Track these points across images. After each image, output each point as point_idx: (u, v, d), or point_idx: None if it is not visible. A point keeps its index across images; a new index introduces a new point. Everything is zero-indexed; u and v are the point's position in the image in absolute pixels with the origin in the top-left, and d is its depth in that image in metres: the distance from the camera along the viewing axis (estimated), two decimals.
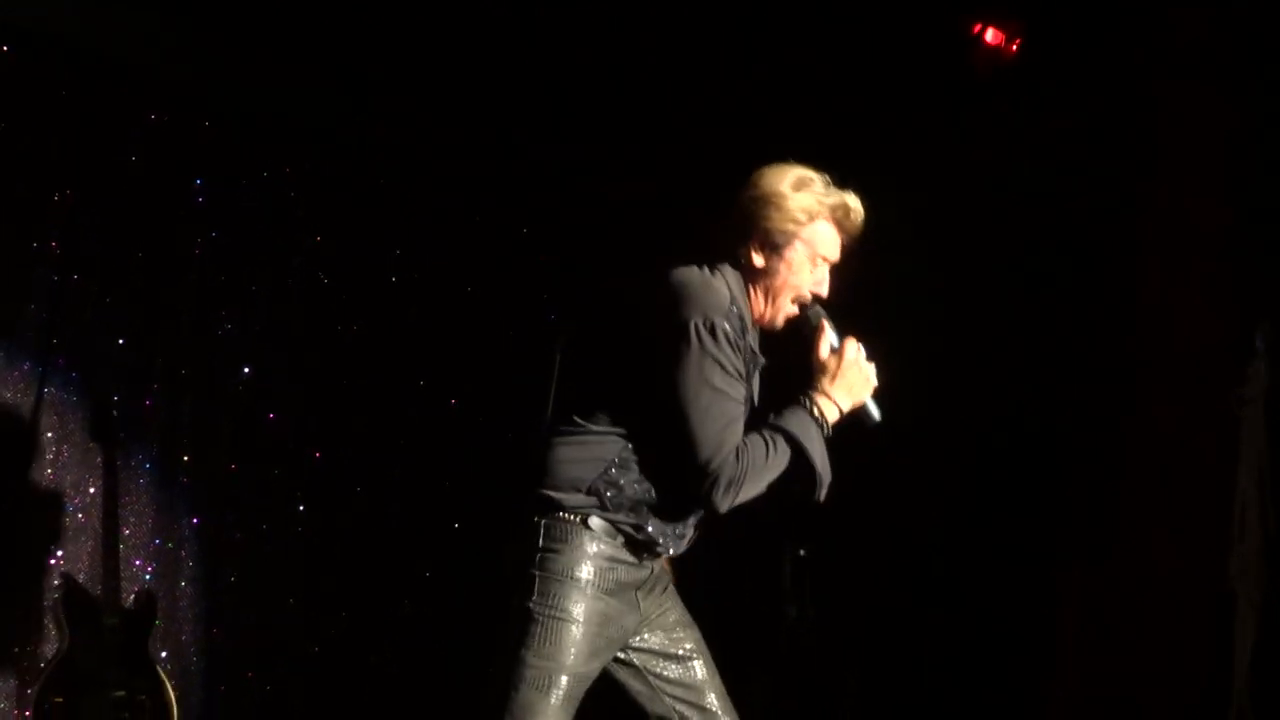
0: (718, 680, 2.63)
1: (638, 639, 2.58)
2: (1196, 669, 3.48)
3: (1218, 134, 3.84)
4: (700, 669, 2.61)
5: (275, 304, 4.86)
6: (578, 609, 2.40)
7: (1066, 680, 3.89)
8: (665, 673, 2.59)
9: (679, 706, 2.58)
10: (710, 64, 4.61)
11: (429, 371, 5.16)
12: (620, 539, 2.46)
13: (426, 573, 5.15)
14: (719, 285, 2.47)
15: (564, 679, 2.38)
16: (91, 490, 4.34)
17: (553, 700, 2.37)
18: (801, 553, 4.36)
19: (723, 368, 2.38)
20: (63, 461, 4.37)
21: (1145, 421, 3.79)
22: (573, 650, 2.39)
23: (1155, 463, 3.72)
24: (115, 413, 3.99)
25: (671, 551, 2.57)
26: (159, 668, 3.90)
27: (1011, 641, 4.04)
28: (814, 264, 2.54)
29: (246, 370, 4.80)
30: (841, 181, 2.58)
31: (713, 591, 2.74)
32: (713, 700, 2.60)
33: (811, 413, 2.47)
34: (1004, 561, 4.08)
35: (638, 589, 2.54)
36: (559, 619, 2.39)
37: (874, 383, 2.54)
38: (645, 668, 2.59)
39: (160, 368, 4.60)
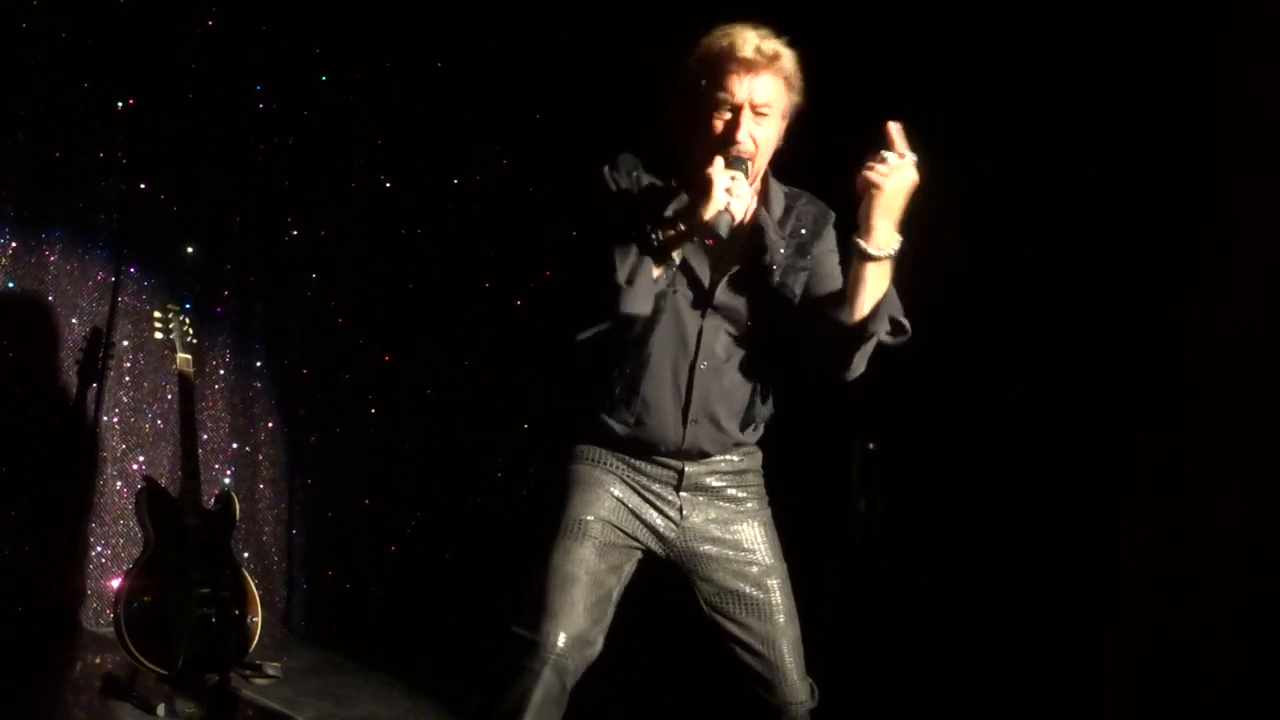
0: (792, 631, 2.55)
1: (707, 573, 2.54)
2: (1265, 605, 3.43)
3: None
4: (772, 619, 2.53)
5: (339, 208, 4.88)
6: (560, 477, 2.54)
7: (1131, 576, 3.87)
8: (734, 614, 2.53)
9: (738, 650, 2.53)
10: None
11: (494, 272, 5.17)
12: (608, 429, 2.52)
13: (498, 472, 5.21)
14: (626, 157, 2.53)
15: (563, 521, 2.48)
16: (169, 397, 4.43)
17: (560, 537, 2.47)
18: (871, 446, 4.36)
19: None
20: (139, 369, 4.46)
21: (1220, 338, 3.67)
22: (564, 500, 2.50)
23: (1229, 385, 3.62)
24: (188, 320, 4.05)
25: (664, 435, 2.49)
26: (242, 567, 3.99)
27: (1078, 538, 4.01)
28: (717, 108, 2.41)
29: (314, 275, 4.84)
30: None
31: (782, 486, 2.72)
32: (781, 651, 2.53)
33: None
34: (1073, 462, 4.04)
35: (673, 486, 2.53)
36: (550, 492, 2.55)
37: (715, 205, 2.30)
38: (707, 600, 2.55)
39: (230, 274, 4.66)
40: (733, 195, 2.33)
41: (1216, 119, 3.67)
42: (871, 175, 2.35)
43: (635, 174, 2.52)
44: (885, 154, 2.35)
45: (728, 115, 2.42)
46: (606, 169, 2.52)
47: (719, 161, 2.35)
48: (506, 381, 5.16)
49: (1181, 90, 3.78)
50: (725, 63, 2.40)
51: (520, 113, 5.11)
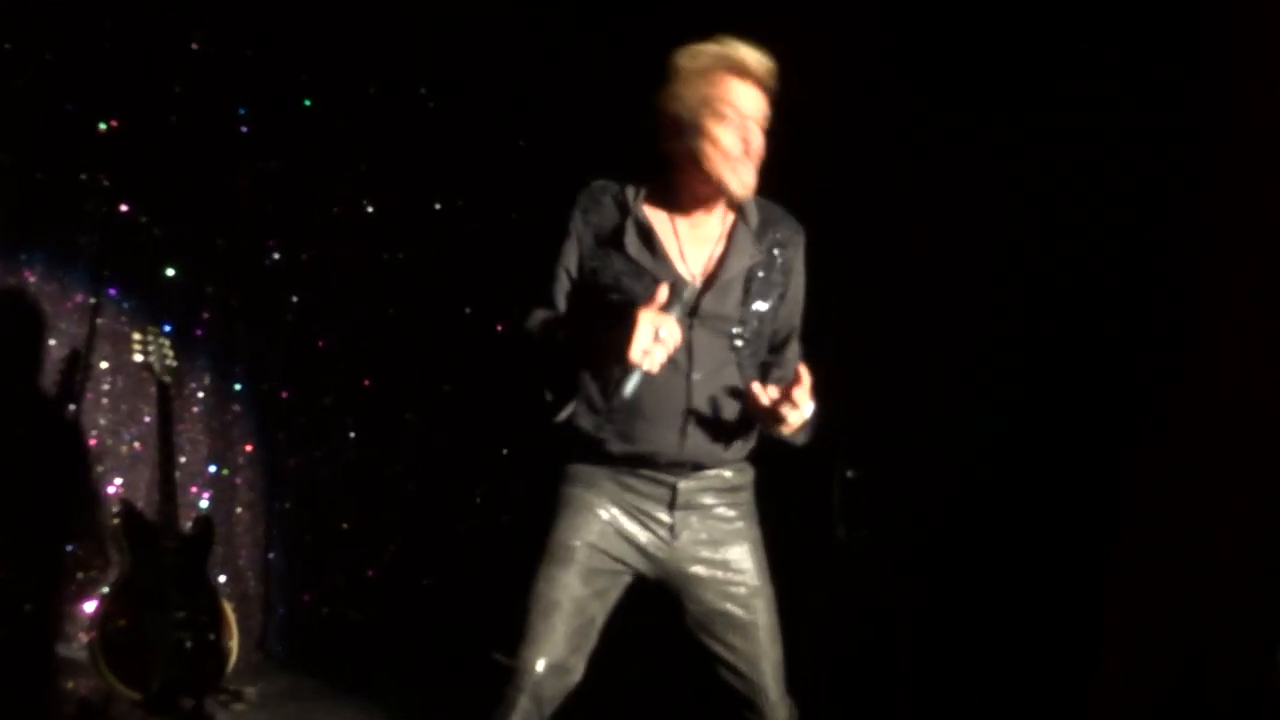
0: (774, 653, 2.58)
1: (694, 593, 2.55)
2: (1258, 631, 3.42)
3: None
4: (756, 639, 2.56)
5: (321, 232, 4.89)
6: (550, 500, 2.56)
7: (1120, 597, 3.87)
8: (719, 634, 2.55)
9: (721, 669, 2.56)
10: None
11: (476, 297, 5.18)
12: (601, 445, 2.53)
13: (477, 497, 5.21)
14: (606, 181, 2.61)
15: (550, 546, 2.51)
16: (146, 419, 4.41)
17: (546, 562, 2.49)
18: (850, 474, 4.36)
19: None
20: (118, 391, 4.45)
21: (1220, 343, 3.66)
22: (552, 524, 2.53)
23: (1228, 399, 3.60)
24: (167, 342, 4.04)
25: (662, 447, 2.49)
26: (218, 591, 3.98)
27: (1066, 561, 4.02)
28: (726, 124, 2.45)
29: (295, 299, 4.85)
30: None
31: (764, 511, 2.72)
32: (763, 671, 2.56)
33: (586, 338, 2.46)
34: (1059, 482, 4.05)
35: (666, 504, 2.53)
36: (543, 515, 2.57)
37: (628, 356, 2.27)
38: (694, 619, 2.56)
39: (210, 297, 4.66)
40: (652, 352, 2.29)
41: (1217, 126, 3.66)
42: (787, 417, 2.39)
43: (591, 217, 2.58)
44: (796, 397, 2.36)
45: (738, 130, 2.47)
46: (574, 218, 2.59)
47: (658, 298, 2.33)
48: (487, 407, 5.16)
49: (1183, 96, 3.77)
50: (734, 80, 2.47)
51: (504, 138, 5.14)
